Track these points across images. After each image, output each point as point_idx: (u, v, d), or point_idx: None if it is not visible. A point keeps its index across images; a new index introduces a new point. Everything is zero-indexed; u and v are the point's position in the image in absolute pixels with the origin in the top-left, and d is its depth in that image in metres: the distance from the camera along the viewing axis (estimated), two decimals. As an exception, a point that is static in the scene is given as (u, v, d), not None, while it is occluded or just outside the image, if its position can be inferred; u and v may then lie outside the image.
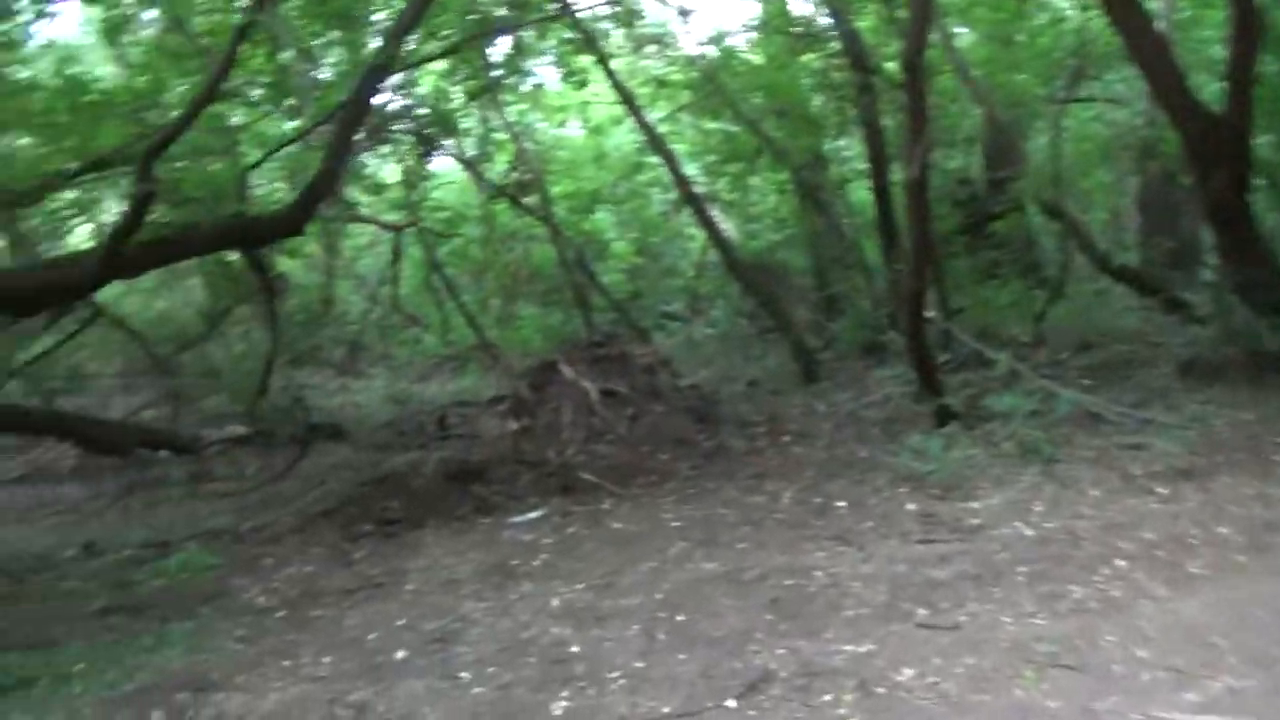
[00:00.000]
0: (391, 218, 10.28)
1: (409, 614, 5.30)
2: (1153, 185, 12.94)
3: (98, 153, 7.07)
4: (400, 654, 4.68)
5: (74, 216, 8.87)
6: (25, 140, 8.73)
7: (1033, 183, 10.44)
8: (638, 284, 18.32)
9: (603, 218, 18.81)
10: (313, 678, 4.50)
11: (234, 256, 10.00)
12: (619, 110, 15.36)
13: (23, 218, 8.35)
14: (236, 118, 9.88)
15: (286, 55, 8.71)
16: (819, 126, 12.54)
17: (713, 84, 12.12)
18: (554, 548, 6.46)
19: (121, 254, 5.62)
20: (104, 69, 11.28)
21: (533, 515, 7.32)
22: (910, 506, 6.26)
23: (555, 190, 16.77)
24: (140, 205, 5.46)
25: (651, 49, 12.94)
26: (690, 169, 16.22)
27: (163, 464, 10.80)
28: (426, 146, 10.88)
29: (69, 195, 8.20)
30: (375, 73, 6.64)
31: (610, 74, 10.78)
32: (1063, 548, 5.13)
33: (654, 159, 12.80)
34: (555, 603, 5.18)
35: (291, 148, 9.01)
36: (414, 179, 12.11)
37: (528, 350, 12.51)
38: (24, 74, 8.84)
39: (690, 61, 12.81)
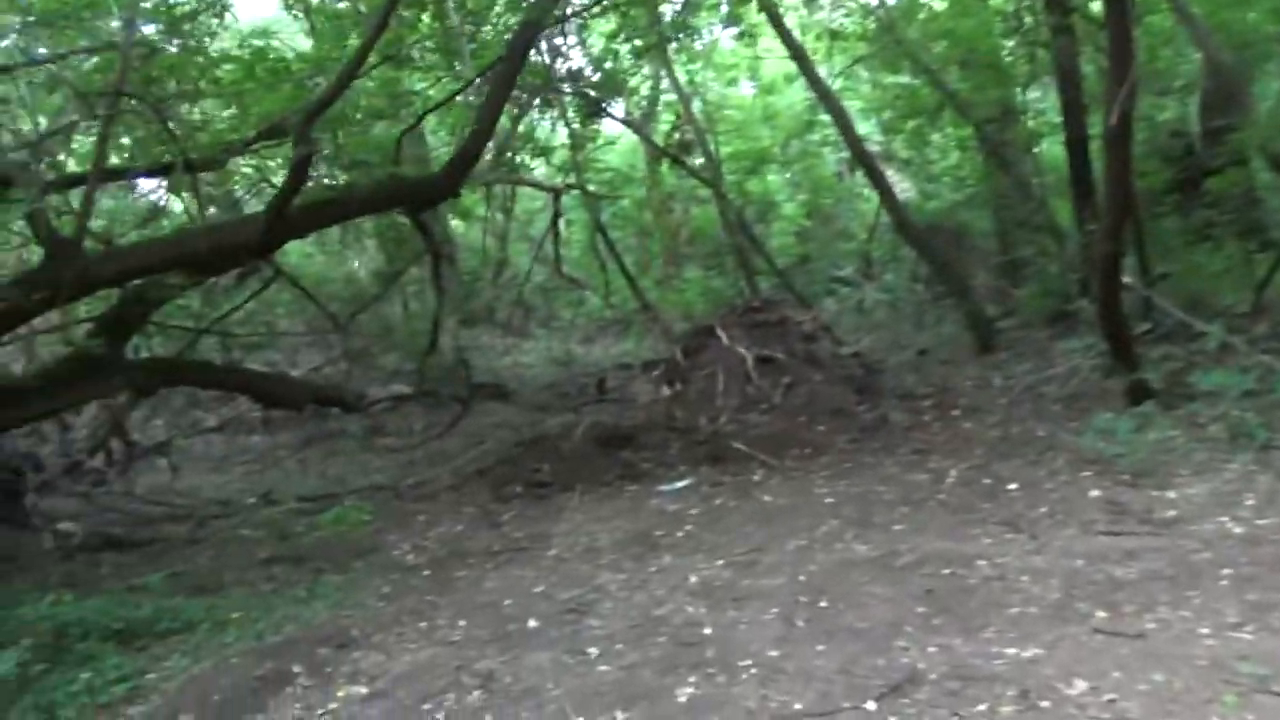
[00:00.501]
0: (557, 180, 10.21)
1: (547, 581, 5.24)
2: None
3: (272, 119, 7.32)
4: (533, 623, 4.60)
5: (259, 182, 9.29)
6: (219, 110, 9.23)
7: (1258, 132, 9.14)
8: (808, 247, 17.80)
9: (773, 179, 18.36)
10: (446, 641, 4.49)
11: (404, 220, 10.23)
12: (791, 67, 14.91)
13: (213, 183, 8.82)
14: (413, 82, 10.09)
15: (451, 17, 8.73)
16: (1007, 76, 11.51)
17: (891, 34, 11.33)
18: (699, 519, 6.24)
19: (285, 216, 5.79)
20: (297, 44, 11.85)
21: (681, 484, 7.13)
22: (1094, 493, 5.60)
23: (725, 150, 16.53)
24: (300, 168, 5.59)
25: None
26: (866, 126, 15.52)
27: (339, 418, 11.40)
28: (593, 107, 10.74)
29: (251, 161, 8.58)
30: (528, 29, 6.51)
31: (780, 27, 10.25)
32: (1278, 550, 4.41)
33: (826, 117, 12.19)
34: (693, 579, 4.95)
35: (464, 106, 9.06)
36: (580, 141, 12.07)
37: (690, 314, 12.28)
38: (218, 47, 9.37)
39: (867, 11, 12.05)
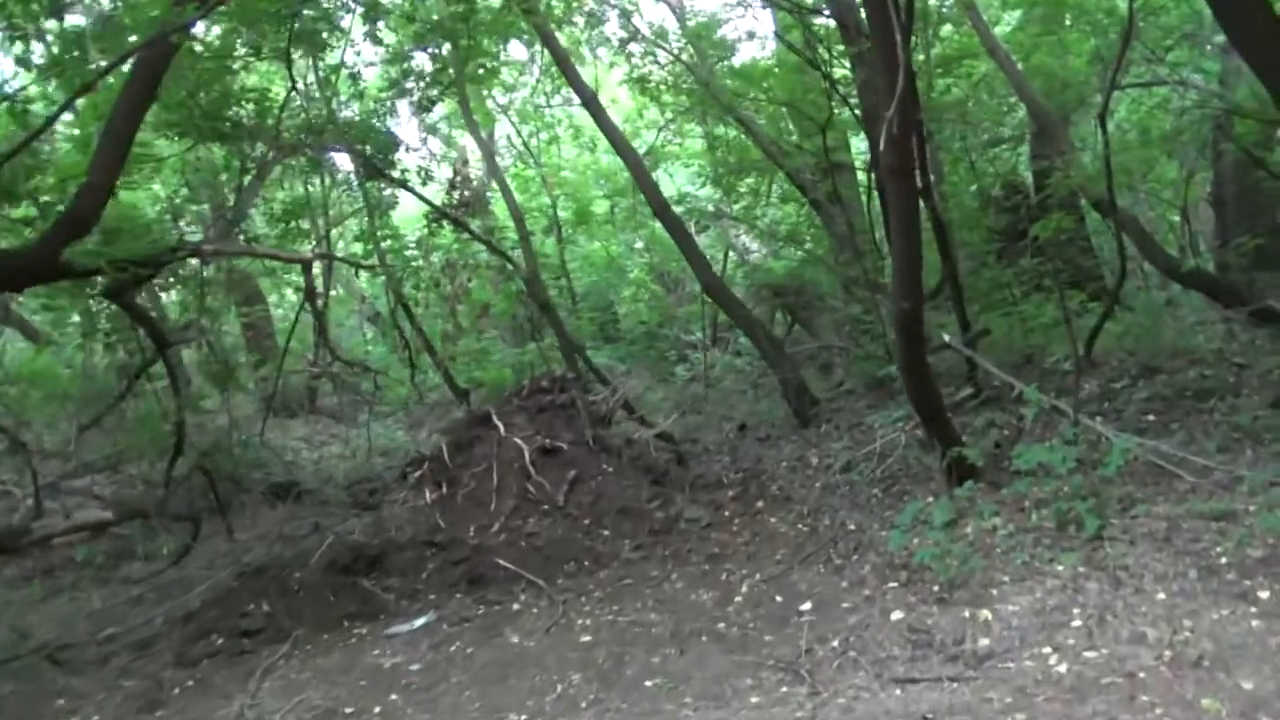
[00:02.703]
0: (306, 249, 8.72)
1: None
2: (1229, 175, 10.86)
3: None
4: None
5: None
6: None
7: (1078, 175, 8.54)
8: (654, 313, 16.83)
9: (611, 245, 17.41)
10: None
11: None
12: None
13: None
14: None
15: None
16: (825, 122, 10.81)
17: (705, 86, 10.45)
18: (417, 679, 4.82)
19: None
20: None
21: (419, 622, 5.69)
22: (897, 614, 4.45)
23: (562, 214, 15.46)
24: None
25: (636, 47, 11.35)
26: (697, 185, 14.72)
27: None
28: (368, 168, 9.38)
29: None
30: (157, 42, 5.01)
31: (569, 73, 9.19)
32: (1111, 698, 3.29)
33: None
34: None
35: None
36: (374, 205, 10.66)
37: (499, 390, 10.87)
38: None
39: (676, 61, 11.18)
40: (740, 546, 6.04)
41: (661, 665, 4.41)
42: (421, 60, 9.22)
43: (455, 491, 7.21)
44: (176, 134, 7.49)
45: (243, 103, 7.61)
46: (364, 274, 11.94)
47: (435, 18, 9.21)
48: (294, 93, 7.82)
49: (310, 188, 9.65)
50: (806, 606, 4.84)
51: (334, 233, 12.86)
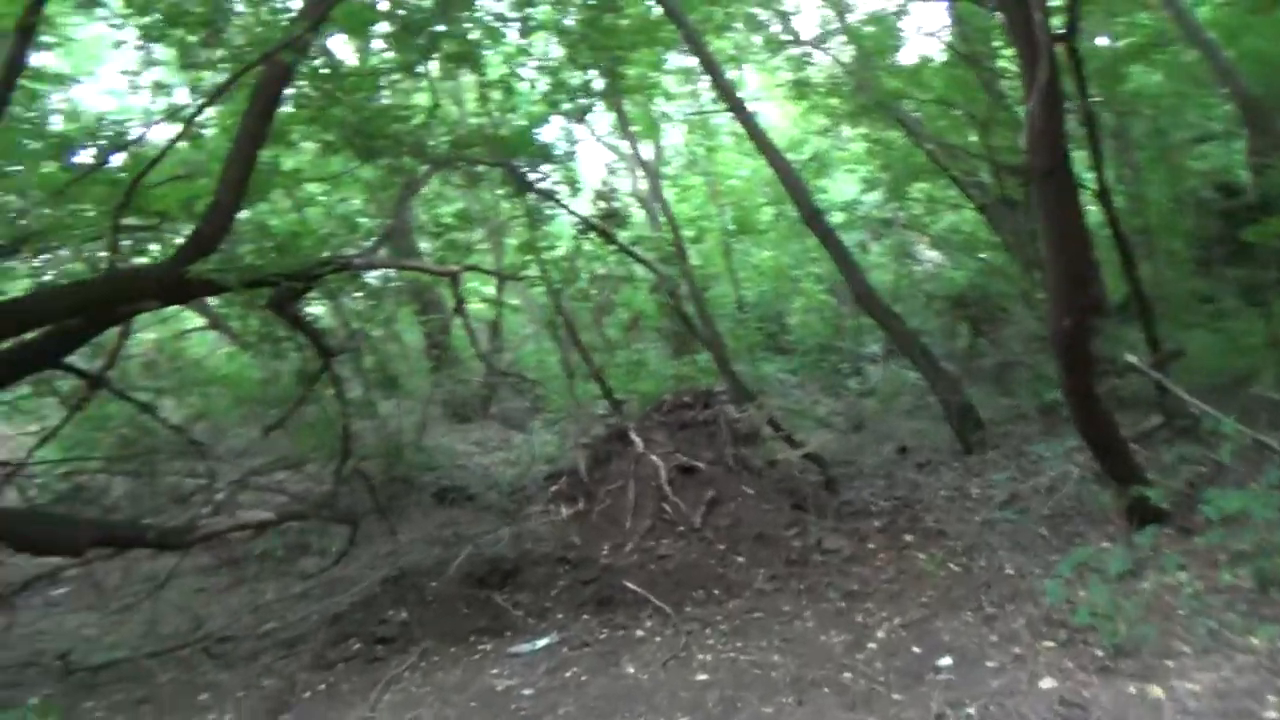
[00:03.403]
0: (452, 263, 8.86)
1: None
2: None
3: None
4: None
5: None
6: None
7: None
8: (825, 324, 16.30)
9: (774, 253, 17.02)
10: None
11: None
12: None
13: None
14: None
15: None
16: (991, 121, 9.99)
17: (864, 88, 9.93)
18: (529, 704, 4.69)
19: None
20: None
21: (541, 643, 5.58)
22: (1047, 683, 3.91)
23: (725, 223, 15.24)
24: None
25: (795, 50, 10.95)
26: (863, 192, 14.09)
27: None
28: (520, 181, 9.48)
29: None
30: (275, 66, 5.08)
31: (715, 75, 8.89)
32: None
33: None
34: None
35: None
36: (535, 218, 10.81)
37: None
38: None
39: (838, 63, 10.69)
40: (882, 584, 5.57)
41: (775, 717, 4.06)
42: (571, 71, 9.18)
43: (591, 508, 7.09)
44: (332, 152, 7.80)
45: (397, 119, 7.82)
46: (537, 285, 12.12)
47: (580, 28, 9.20)
48: (438, 108, 7.98)
49: (464, 200, 9.84)
50: (946, 662, 4.35)
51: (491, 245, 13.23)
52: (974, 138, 10.31)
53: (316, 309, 10.67)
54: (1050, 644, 4.28)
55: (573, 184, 9.14)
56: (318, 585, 8.64)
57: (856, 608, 5.32)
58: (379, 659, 5.77)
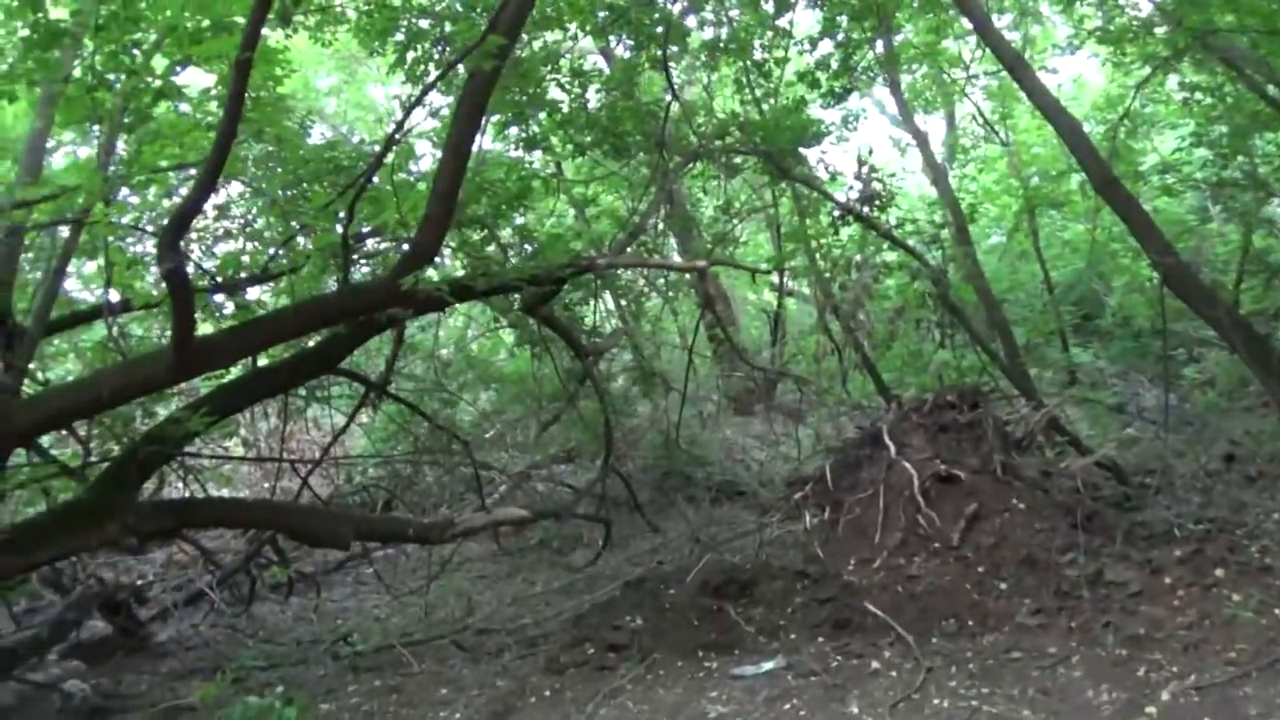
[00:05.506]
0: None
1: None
2: None
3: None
4: None
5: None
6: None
7: None
8: (1149, 306, 14.24)
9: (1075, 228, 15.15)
10: None
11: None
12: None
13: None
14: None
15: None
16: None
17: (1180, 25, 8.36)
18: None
19: (192, 348, 4.55)
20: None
21: (765, 666, 5.21)
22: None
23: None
24: (177, 292, 4.21)
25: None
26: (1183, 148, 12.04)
27: (542, 526, 10.54)
28: (777, 170, 9.06)
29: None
30: (476, 79, 5.05)
31: (988, 32, 7.87)
32: None
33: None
34: None
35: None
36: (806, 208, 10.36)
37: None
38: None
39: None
40: (1177, 630, 4.56)
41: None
42: (825, 47, 8.61)
43: (837, 518, 6.56)
44: (576, 153, 7.88)
45: (643, 115, 7.74)
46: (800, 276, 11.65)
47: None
48: (676, 101, 7.77)
49: (725, 193, 9.60)
50: (1245, 743, 3.42)
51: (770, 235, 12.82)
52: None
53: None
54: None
55: (830, 171, 8.56)
56: (581, 579, 8.87)
57: (1139, 658, 4.40)
58: (608, 667, 5.69)
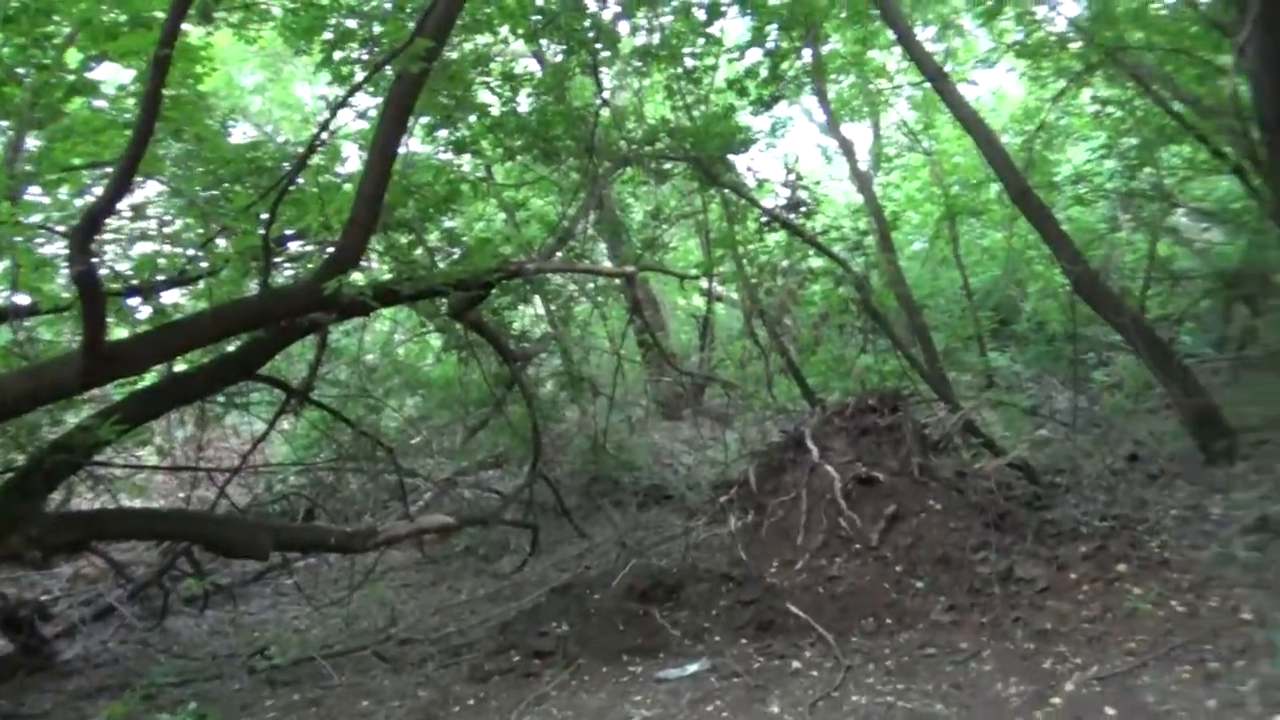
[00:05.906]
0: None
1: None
2: None
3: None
4: None
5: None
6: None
7: None
8: (1060, 311, 14.76)
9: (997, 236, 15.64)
10: None
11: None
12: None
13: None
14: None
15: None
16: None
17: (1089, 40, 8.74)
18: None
19: (102, 353, 4.43)
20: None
21: (690, 669, 5.25)
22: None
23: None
24: (87, 295, 4.16)
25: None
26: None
27: (468, 534, 10.43)
28: (706, 175, 9.16)
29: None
30: (404, 82, 5.01)
31: (910, 44, 8.10)
32: None
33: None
34: None
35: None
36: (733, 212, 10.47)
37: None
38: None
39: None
40: (1081, 624, 4.75)
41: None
42: (755, 55, 8.75)
43: (761, 520, 6.65)
44: (506, 156, 7.86)
45: (573, 119, 7.76)
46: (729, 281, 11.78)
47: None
48: (607, 106, 7.83)
49: (653, 199, 9.67)
50: (1143, 731, 3.58)
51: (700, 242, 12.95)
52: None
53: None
54: (1285, 720, 3.40)
55: (758, 178, 8.69)
56: (508, 586, 8.81)
57: (1046, 650, 4.57)
58: (533, 674, 5.67)
